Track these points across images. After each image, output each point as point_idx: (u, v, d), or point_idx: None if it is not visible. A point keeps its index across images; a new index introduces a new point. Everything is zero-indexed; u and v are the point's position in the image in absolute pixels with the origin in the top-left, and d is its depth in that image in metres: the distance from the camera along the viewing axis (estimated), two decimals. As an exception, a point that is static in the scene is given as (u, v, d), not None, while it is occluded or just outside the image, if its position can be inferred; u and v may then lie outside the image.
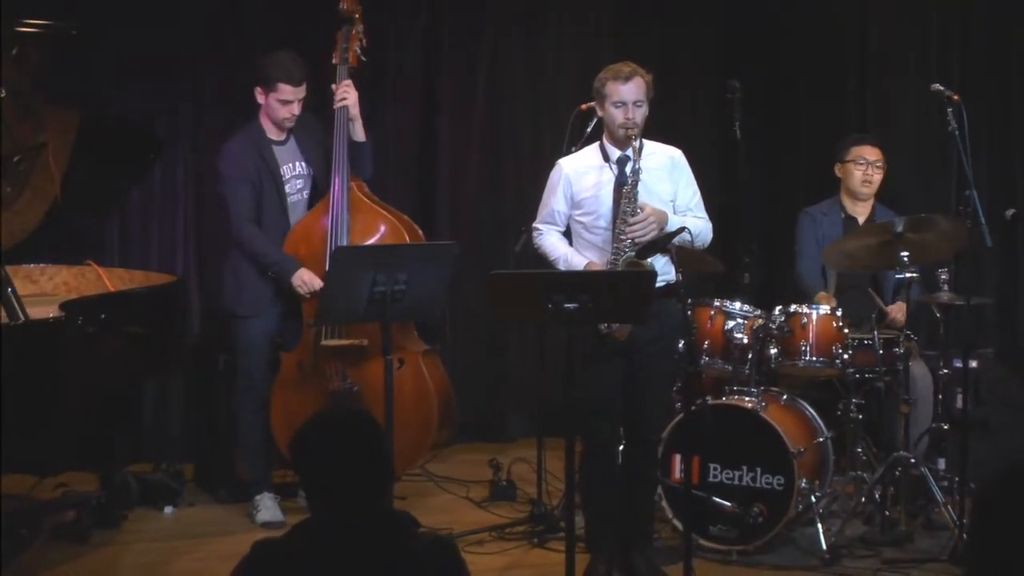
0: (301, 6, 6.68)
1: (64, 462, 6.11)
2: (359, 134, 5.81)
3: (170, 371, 6.51)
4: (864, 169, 6.14)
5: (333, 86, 5.79)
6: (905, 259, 5.36)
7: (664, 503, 5.42)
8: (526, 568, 5.30)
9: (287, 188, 5.82)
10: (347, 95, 5.77)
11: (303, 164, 5.87)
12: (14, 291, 4.52)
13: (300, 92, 5.72)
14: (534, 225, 5.23)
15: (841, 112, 7.33)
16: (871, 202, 6.21)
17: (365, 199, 5.81)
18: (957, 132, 5.39)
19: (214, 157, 5.96)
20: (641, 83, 4.95)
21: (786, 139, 7.54)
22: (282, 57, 5.71)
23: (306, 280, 5.65)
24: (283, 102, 5.70)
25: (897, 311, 5.85)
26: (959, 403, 5.75)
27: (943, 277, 5.59)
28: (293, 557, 2.79)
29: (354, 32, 5.83)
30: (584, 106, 5.49)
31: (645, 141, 4.96)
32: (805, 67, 7.46)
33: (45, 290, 5.72)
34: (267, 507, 5.80)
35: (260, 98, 5.75)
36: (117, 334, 5.08)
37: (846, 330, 5.58)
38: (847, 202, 6.21)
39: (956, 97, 5.44)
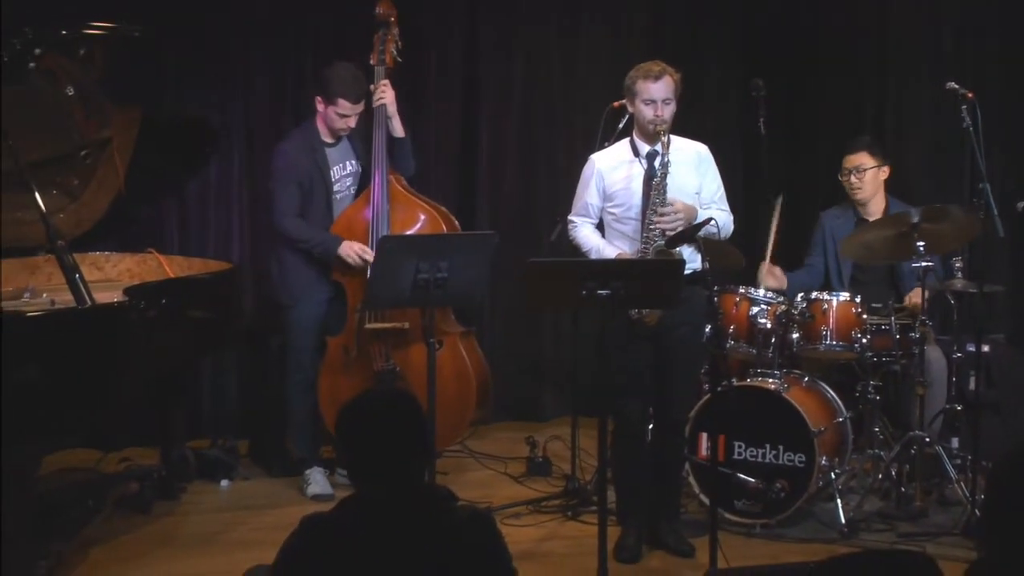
0: (346, 10, 6.67)
1: (127, 438, 6.18)
2: (398, 130, 5.81)
3: (226, 352, 6.53)
4: (847, 178, 6.05)
5: (371, 86, 5.79)
6: (921, 248, 5.31)
7: (691, 479, 5.41)
8: (560, 540, 5.30)
9: (336, 187, 5.83)
10: (384, 94, 5.77)
11: (353, 162, 5.88)
12: (81, 277, 4.54)
13: (358, 108, 5.72)
14: (569, 218, 5.22)
15: (859, 110, 7.25)
16: (880, 203, 6.05)
17: (404, 191, 5.81)
18: (971, 128, 5.34)
19: (269, 154, 5.97)
20: (670, 81, 4.93)
21: (806, 136, 7.47)
22: (345, 73, 5.69)
23: (355, 249, 5.65)
24: (341, 115, 5.70)
25: (915, 296, 5.78)
26: (972, 385, 5.74)
27: (957, 265, 5.55)
28: (339, 530, 2.79)
29: (390, 35, 5.82)
30: (616, 104, 5.47)
31: (673, 136, 4.94)
32: (825, 65, 7.39)
33: (110, 276, 5.75)
34: (317, 481, 5.82)
35: (319, 106, 5.75)
36: (177, 318, 5.10)
37: (864, 316, 5.55)
38: (857, 205, 6.14)
39: (970, 95, 5.38)
